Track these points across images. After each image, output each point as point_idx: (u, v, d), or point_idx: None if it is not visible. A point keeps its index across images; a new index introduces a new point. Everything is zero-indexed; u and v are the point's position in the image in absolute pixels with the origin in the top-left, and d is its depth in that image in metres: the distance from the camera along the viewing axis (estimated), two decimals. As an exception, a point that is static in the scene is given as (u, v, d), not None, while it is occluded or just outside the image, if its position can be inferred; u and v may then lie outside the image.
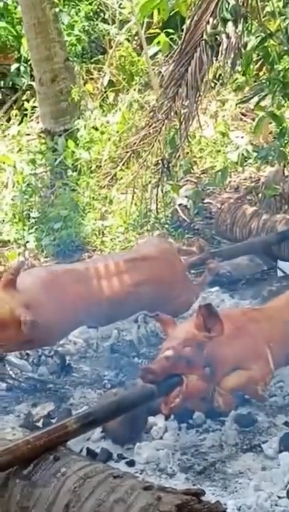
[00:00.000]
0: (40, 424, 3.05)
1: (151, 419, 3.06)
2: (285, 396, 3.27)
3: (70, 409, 3.16)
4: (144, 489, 2.25)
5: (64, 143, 6.21)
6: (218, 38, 4.83)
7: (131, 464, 2.85)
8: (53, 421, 3.00)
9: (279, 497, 2.58)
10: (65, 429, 2.55)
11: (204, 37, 4.78)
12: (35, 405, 3.31)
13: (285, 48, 5.20)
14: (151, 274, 3.96)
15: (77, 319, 3.84)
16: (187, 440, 2.99)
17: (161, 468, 2.81)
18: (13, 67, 7.56)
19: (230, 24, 4.68)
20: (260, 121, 5.57)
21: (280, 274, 4.49)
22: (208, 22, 4.75)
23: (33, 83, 7.02)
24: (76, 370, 3.67)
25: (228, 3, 4.63)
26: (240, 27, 4.77)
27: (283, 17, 5.23)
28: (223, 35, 4.72)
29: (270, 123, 5.71)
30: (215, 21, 4.78)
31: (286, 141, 5.37)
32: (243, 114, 6.98)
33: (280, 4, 5.40)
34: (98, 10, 8.05)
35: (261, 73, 5.93)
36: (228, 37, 4.71)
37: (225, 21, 4.65)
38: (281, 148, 5.44)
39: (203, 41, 4.78)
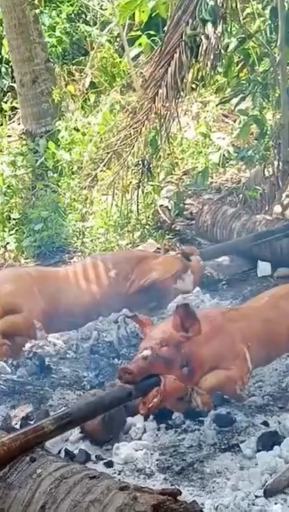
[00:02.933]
0: (18, 426, 3.03)
1: (129, 419, 3.05)
2: (263, 396, 3.28)
3: (48, 410, 3.14)
4: (120, 489, 2.24)
5: (45, 144, 6.21)
6: (198, 39, 4.84)
7: (109, 464, 2.84)
8: (31, 422, 2.98)
9: (256, 496, 2.58)
10: (41, 430, 2.54)
11: (184, 38, 4.79)
12: (13, 407, 3.29)
13: (265, 50, 5.23)
14: None
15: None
16: (166, 440, 2.99)
17: (140, 469, 2.80)
18: (-6, 68, 7.55)
19: (209, 25, 4.69)
20: (245, 126, 5.59)
21: (260, 274, 4.50)
22: (187, 23, 4.76)
23: (14, 84, 7.00)
24: (55, 371, 3.65)
25: (207, 5, 4.64)
26: (219, 28, 4.78)
27: (262, 18, 5.26)
28: (203, 36, 4.73)
29: (252, 124, 5.73)
30: (194, 22, 4.79)
31: (266, 143, 5.39)
32: (224, 116, 7.01)
33: (260, 6, 5.43)
34: (80, 11, 8.07)
35: (242, 74, 5.94)
36: (207, 38, 4.72)
37: (204, 22, 4.66)
38: (262, 150, 5.48)
39: (183, 42, 4.79)
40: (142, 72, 6.82)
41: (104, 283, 4.02)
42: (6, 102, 7.12)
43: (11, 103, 7.25)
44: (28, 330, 3.80)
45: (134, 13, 6.26)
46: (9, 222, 5.54)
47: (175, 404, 3.03)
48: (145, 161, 5.15)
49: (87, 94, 7.07)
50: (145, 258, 4.23)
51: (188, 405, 3.06)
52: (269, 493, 2.58)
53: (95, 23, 7.82)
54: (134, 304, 3.96)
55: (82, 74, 7.44)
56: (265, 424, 3.04)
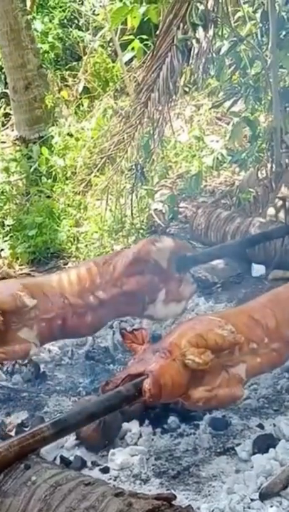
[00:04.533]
0: (13, 433, 3.03)
1: (125, 425, 3.05)
2: (258, 398, 3.29)
3: (43, 417, 3.14)
4: (115, 495, 2.24)
5: (39, 150, 6.22)
6: (189, 43, 4.85)
7: (105, 470, 2.84)
8: (27, 429, 2.98)
9: (252, 499, 2.58)
10: (36, 437, 2.53)
11: (175, 42, 4.80)
12: (8, 414, 3.30)
13: (257, 53, 5.24)
14: None
15: None
16: (161, 445, 2.99)
17: (136, 474, 2.81)
18: (-13, 75, 7.56)
19: (200, 29, 4.70)
20: (236, 128, 5.60)
21: (254, 277, 4.51)
22: (178, 27, 4.76)
23: (7, 91, 7.01)
24: (51, 377, 3.65)
25: (198, 9, 4.65)
26: (210, 32, 4.79)
27: (253, 22, 5.28)
28: (194, 41, 4.74)
29: (245, 127, 5.74)
30: (185, 27, 4.80)
31: (259, 145, 5.41)
32: (218, 119, 7.03)
33: (251, 9, 5.44)
34: (72, 17, 8.09)
35: (234, 77, 5.96)
36: (198, 42, 4.73)
37: (195, 26, 4.67)
38: (255, 152, 5.49)
39: (174, 46, 4.79)
40: (134, 77, 6.85)
41: None
42: (-1, 108, 7.15)
43: (4, 109, 7.27)
44: None
45: (126, 18, 6.28)
46: (3, 229, 5.54)
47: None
48: (139, 166, 5.15)
49: (80, 99, 7.08)
50: None
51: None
52: (264, 496, 2.58)
53: (87, 29, 7.85)
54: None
55: (75, 79, 7.46)
56: (261, 426, 3.05)
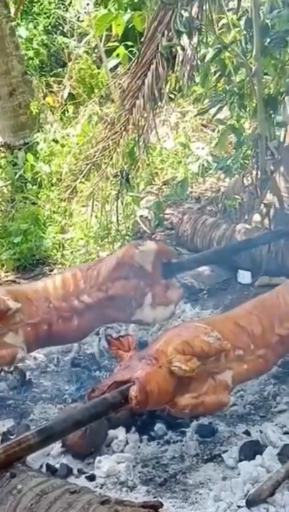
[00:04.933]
0: (-2, 441, 3.01)
1: (111, 432, 3.05)
2: (245, 405, 3.30)
3: (29, 424, 3.13)
4: (101, 503, 2.24)
5: (24, 157, 6.20)
6: (174, 50, 4.87)
7: (91, 478, 2.83)
8: (12, 437, 2.96)
9: (239, 506, 2.59)
10: (21, 445, 2.52)
11: (160, 49, 4.81)
12: (-6, 422, 3.28)
13: (241, 60, 5.27)
14: None
15: None
16: (148, 452, 2.99)
17: (122, 482, 2.80)
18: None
19: (185, 36, 4.72)
20: (222, 137, 5.62)
21: (240, 283, 4.52)
22: (163, 34, 4.78)
23: (-9, 97, 6.98)
24: (36, 385, 3.64)
25: (182, 16, 4.67)
26: (195, 39, 4.81)
27: (238, 29, 5.30)
28: (179, 48, 4.76)
29: (230, 134, 5.76)
30: (170, 34, 4.81)
31: (244, 152, 5.43)
32: (203, 125, 7.05)
33: (235, 17, 5.47)
34: (57, 23, 8.09)
35: (219, 84, 5.99)
36: (183, 49, 4.74)
37: (179, 34, 4.69)
38: (240, 159, 5.51)
39: (159, 54, 4.81)
40: (119, 83, 6.85)
41: None
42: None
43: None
44: None
45: (111, 25, 6.29)
46: (-12, 236, 5.51)
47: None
48: (124, 172, 5.15)
49: (65, 105, 7.07)
50: None
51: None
52: (251, 503, 2.58)
53: (72, 35, 7.85)
54: None
55: (60, 86, 7.45)
56: (247, 433, 3.06)
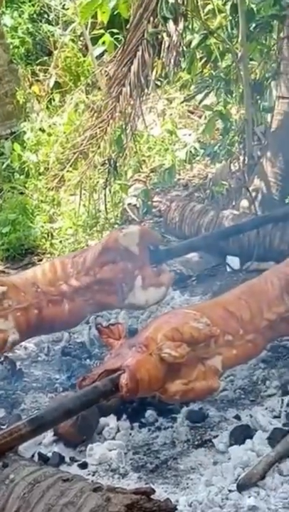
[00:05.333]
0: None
1: (103, 419, 3.05)
2: (235, 390, 3.31)
3: (20, 414, 3.13)
4: (94, 491, 2.24)
5: (11, 146, 6.16)
6: (160, 37, 4.84)
7: (83, 466, 2.84)
8: (4, 427, 2.96)
9: (230, 491, 2.60)
10: (13, 435, 2.52)
11: (145, 36, 4.79)
12: (-15, 412, 3.28)
13: (227, 46, 5.25)
14: None
15: None
16: (139, 439, 3.00)
17: (114, 469, 2.81)
18: None
19: (170, 23, 4.70)
20: (209, 122, 5.61)
21: (228, 269, 4.53)
22: (148, 21, 4.75)
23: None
24: (27, 374, 3.63)
25: (168, 2, 4.64)
26: (181, 25, 4.79)
27: (223, 15, 5.28)
28: (164, 34, 4.73)
29: (217, 120, 5.75)
30: (156, 20, 4.79)
31: (231, 138, 5.42)
32: (190, 112, 7.02)
33: (220, 2, 5.44)
34: (42, 11, 8.02)
35: (205, 70, 5.96)
36: (169, 35, 4.72)
37: (165, 20, 4.66)
38: (227, 145, 5.49)
39: (145, 40, 4.78)
40: (106, 71, 6.81)
41: None
42: None
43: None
44: None
45: (96, 12, 6.24)
46: (-24, 226, 5.48)
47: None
48: (112, 160, 5.14)
49: (52, 94, 7.02)
50: None
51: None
52: (242, 487, 2.60)
53: (57, 23, 7.78)
54: None
55: (46, 74, 7.40)
56: (237, 418, 3.07)
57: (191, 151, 6.10)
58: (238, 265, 4.53)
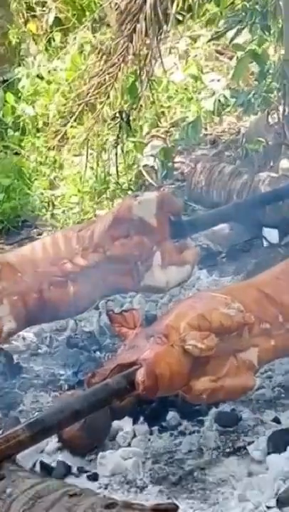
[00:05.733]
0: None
1: (116, 423, 3.09)
2: (273, 388, 3.33)
3: (18, 417, 3.18)
4: (106, 507, 2.28)
5: (3, 96, 6.19)
6: None
7: (94, 477, 2.88)
8: (-1, 432, 3.02)
9: (268, 507, 2.63)
10: (10, 441, 2.56)
11: None
12: (-23, 415, 3.33)
13: None
14: None
15: None
16: (160, 446, 3.03)
17: (130, 481, 2.85)
18: None
19: None
20: (240, 63, 5.59)
21: (265, 243, 4.54)
22: None
23: None
24: (26, 370, 3.69)
25: None
26: None
27: None
28: None
29: (251, 62, 5.73)
30: None
31: (269, 84, 5.40)
32: (218, 53, 7.00)
33: None
34: None
35: (238, 1, 5.93)
36: None
37: None
38: (264, 93, 5.48)
39: None
40: (116, 4, 6.78)
41: None
42: None
43: None
44: None
45: None
46: None
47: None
48: (124, 113, 5.15)
49: (51, 33, 7.02)
50: None
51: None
52: (283, 502, 2.62)
53: None
54: None
55: (44, 9, 7.38)
56: (277, 421, 3.10)
57: (219, 101, 6.10)
58: (277, 239, 4.54)
